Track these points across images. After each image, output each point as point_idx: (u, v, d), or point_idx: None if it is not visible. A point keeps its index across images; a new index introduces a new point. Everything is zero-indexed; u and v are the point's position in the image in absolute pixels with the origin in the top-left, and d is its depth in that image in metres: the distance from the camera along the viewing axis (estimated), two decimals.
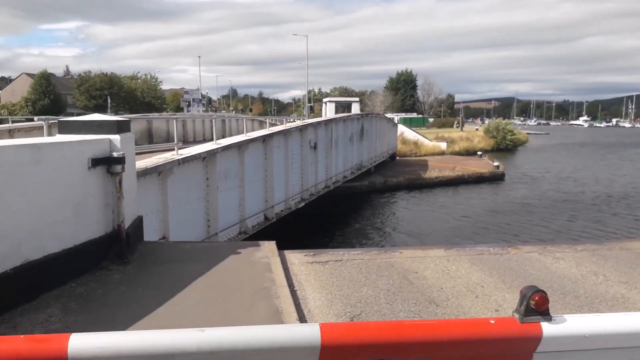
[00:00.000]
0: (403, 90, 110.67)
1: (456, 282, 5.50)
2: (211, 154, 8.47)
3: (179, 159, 7.84)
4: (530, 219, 18.33)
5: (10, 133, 12.53)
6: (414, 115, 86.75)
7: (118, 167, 5.72)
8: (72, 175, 5.23)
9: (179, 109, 78.97)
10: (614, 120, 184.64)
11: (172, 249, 6.60)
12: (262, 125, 19.91)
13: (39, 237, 4.70)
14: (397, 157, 33.01)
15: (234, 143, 9.46)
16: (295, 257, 6.40)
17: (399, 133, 37.06)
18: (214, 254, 6.18)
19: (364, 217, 19.14)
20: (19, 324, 4.05)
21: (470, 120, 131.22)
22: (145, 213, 6.79)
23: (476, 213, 19.45)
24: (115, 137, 5.83)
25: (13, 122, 14.69)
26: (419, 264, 6.17)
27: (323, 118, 20.51)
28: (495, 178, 28.54)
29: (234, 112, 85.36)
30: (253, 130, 17.52)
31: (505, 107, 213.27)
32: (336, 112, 40.00)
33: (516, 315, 1.61)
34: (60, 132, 5.95)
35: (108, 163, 5.68)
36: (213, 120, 27.84)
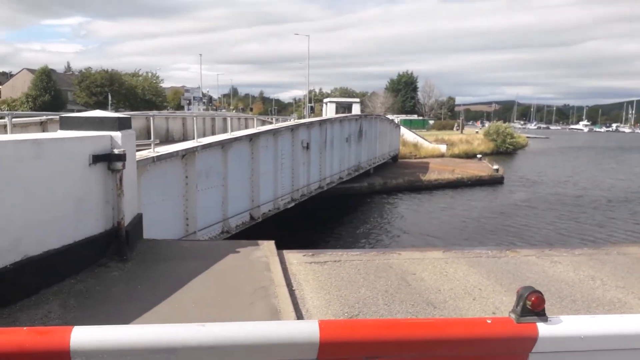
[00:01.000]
0: (404, 91, 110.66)
1: (454, 284, 5.52)
2: (190, 152, 8.44)
3: (153, 157, 7.84)
4: (529, 222, 18.36)
5: (6, 128, 12.50)
6: (414, 117, 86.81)
7: (119, 164, 5.74)
8: (73, 171, 5.25)
9: (179, 107, 78.98)
10: (614, 125, 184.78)
11: (172, 247, 6.62)
12: (263, 124, 19.91)
13: (39, 233, 4.72)
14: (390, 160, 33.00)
15: (216, 141, 9.41)
16: (294, 257, 6.42)
17: None
18: (213, 253, 6.19)
19: (363, 218, 19.16)
20: (18, 319, 4.06)
21: (470, 123, 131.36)
22: None
23: (475, 216, 19.47)
24: (117, 134, 5.85)
25: (14, 117, 14.67)
26: (417, 265, 6.19)
27: (318, 118, 20.47)
28: (495, 181, 28.57)
29: (234, 111, 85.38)
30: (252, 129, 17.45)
31: (506, 110, 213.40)
32: (337, 112, 40.05)
33: (512, 316, 1.64)
34: (61, 128, 5.97)
35: (109, 160, 5.69)
36: (204, 119, 27.83)
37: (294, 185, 12.97)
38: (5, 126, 12.60)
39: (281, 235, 8.78)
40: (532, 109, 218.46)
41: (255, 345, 1.42)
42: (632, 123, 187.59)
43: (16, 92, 69.38)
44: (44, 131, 12.84)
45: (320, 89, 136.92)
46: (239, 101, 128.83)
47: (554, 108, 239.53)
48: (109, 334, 1.39)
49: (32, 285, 4.57)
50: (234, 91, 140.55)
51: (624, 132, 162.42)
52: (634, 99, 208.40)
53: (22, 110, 53.92)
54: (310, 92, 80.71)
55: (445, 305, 4.97)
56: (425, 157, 37.23)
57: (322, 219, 18.34)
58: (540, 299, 1.61)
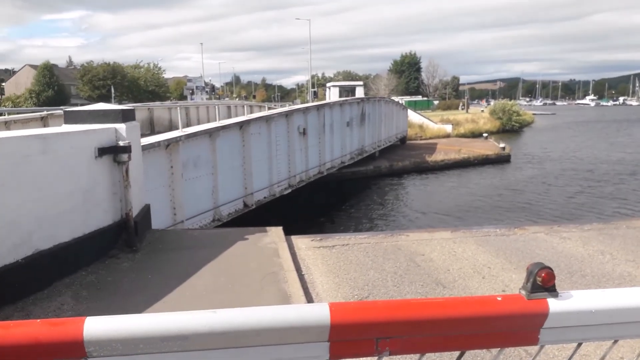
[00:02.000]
0: (407, 72, 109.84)
1: (463, 264, 5.52)
2: (174, 141, 8.38)
3: None
4: (537, 199, 18.30)
5: (7, 125, 12.54)
6: (419, 98, 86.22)
7: (124, 156, 5.76)
8: (79, 164, 5.27)
9: (182, 97, 78.94)
10: (621, 99, 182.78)
11: (180, 236, 6.66)
12: (265, 110, 19.83)
13: (49, 227, 4.76)
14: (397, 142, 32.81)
15: (202, 130, 9.34)
16: (302, 242, 6.45)
17: None
18: (222, 240, 6.23)
19: (370, 201, 19.17)
20: (31, 312, 4.12)
21: (475, 101, 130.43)
22: None
23: (483, 194, 19.42)
24: (121, 126, 5.86)
25: (14, 113, 14.76)
26: (426, 246, 6.19)
27: (315, 103, 20.33)
28: (502, 160, 28.41)
29: (237, 98, 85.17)
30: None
31: (511, 87, 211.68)
32: (340, 96, 39.81)
33: (523, 292, 1.64)
34: (66, 122, 5.98)
35: (114, 152, 5.71)
36: (208, 108, 27.77)
37: (291, 171, 12.94)
38: (5, 122, 12.68)
39: (288, 221, 8.81)
40: (537, 86, 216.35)
41: (267, 329, 1.43)
42: (639, 96, 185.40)
43: (20, 89, 69.54)
44: (45, 126, 12.90)
45: (323, 74, 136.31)
46: (241, 89, 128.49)
47: (560, 84, 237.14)
48: (121, 323, 1.40)
49: (44, 278, 4.63)
50: (237, 79, 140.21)
51: (631, 105, 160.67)
52: None
53: (27, 106, 54.07)
54: (313, 77, 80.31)
55: (455, 284, 4.98)
56: (431, 138, 37.05)
57: (328, 204, 18.38)
58: (550, 274, 1.60)
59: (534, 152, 32.91)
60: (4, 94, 71.05)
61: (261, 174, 11.20)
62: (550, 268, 1.77)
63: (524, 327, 1.62)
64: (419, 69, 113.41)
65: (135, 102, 58.83)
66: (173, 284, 4.79)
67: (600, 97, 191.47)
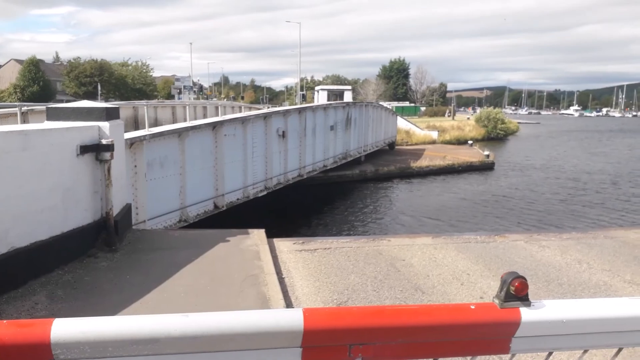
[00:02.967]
0: (395, 78, 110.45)
1: (442, 270, 5.55)
2: (137, 140, 8.21)
3: None
4: (517, 206, 18.50)
5: None
6: (406, 104, 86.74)
7: (107, 155, 5.69)
8: (61, 162, 5.20)
9: (170, 96, 78.39)
10: (604, 110, 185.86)
11: (161, 237, 6.60)
12: (250, 111, 19.73)
13: (27, 224, 4.68)
14: (386, 147, 32.92)
15: (169, 130, 9.17)
16: (284, 245, 6.44)
17: None
18: (203, 242, 6.19)
19: (355, 205, 19.21)
20: (4, 310, 4.05)
21: (462, 109, 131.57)
22: None
23: (464, 201, 19.58)
24: (104, 124, 5.79)
25: None
26: (407, 251, 6.22)
27: (297, 106, 20.22)
28: (485, 167, 28.69)
29: (225, 99, 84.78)
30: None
31: (497, 96, 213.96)
32: (328, 99, 39.90)
33: (496, 301, 1.65)
34: (48, 119, 5.90)
35: (97, 150, 5.65)
36: (195, 108, 27.57)
37: (268, 173, 12.87)
38: None
39: (271, 223, 8.78)
40: (523, 95, 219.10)
41: (239, 334, 1.43)
42: (622, 107, 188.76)
43: (4, 83, 68.43)
44: (25, 122, 12.66)
45: (312, 77, 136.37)
46: (230, 89, 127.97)
47: (545, 93, 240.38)
48: (90, 325, 1.38)
49: (19, 276, 4.55)
50: (225, 79, 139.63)
51: (614, 116, 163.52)
52: (624, 83, 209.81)
53: (10, 101, 53.24)
54: (302, 79, 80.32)
55: (434, 290, 5.01)
56: (417, 144, 37.26)
57: (312, 207, 18.37)
58: (523, 284, 1.62)
59: (517, 160, 33.29)
60: None
61: (235, 176, 11.10)
62: (523, 277, 1.78)
63: (496, 335, 1.64)
64: (407, 75, 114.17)
65: (122, 99, 58.27)
66: (152, 284, 4.74)
67: (584, 108, 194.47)
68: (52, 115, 5.93)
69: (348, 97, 43.40)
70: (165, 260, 5.46)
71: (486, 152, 30.38)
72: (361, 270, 5.54)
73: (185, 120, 25.63)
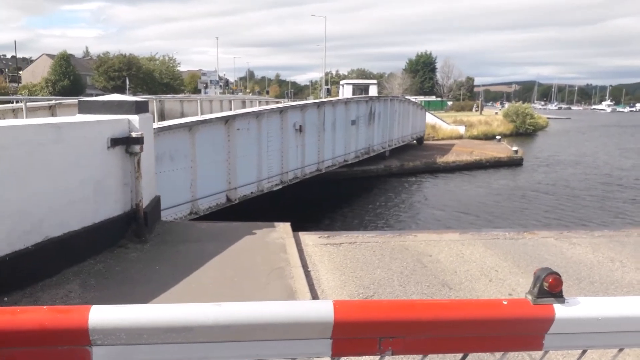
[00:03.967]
0: (422, 72, 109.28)
1: (470, 266, 5.49)
2: None
3: None
4: (547, 203, 18.13)
5: (14, 112, 12.58)
6: (433, 98, 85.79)
7: (137, 147, 5.80)
8: (92, 154, 5.32)
9: (196, 90, 79.29)
10: (638, 105, 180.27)
11: (189, 229, 6.69)
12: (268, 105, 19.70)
13: (60, 215, 4.81)
14: (414, 141, 32.61)
15: (179, 124, 9.23)
16: (309, 239, 6.46)
17: None
18: (230, 234, 6.26)
19: (380, 200, 19.13)
20: (39, 298, 4.17)
21: (490, 103, 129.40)
22: None
23: (492, 197, 19.28)
24: (134, 118, 5.90)
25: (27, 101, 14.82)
26: (433, 247, 6.17)
27: (316, 100, 20.00)
28: (514, 163, 28.16)
29: (250, 93, 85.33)
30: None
31: (526, 90, 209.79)
32: (353, 94, 39.74)
33: (529, 297, 1.63)
34: (80, 112, 6.03)
35: (127, 143, 5.75)
36: (221, 102, 27.84)
37: (284, 167, 12.84)
38: (13, 110, 12.76)
39: (294, 216, 8.78)
40: (553, 89, 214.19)
41: (271, 324, 1.44)
42: None
43: (36, 77, 70.24)
44: (52, 115, 12.96)
45: (337, 71, 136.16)
46: (255, 84, 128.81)
47: (576, 88, 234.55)
48: (125, 313, 1.41)
49: (53, 265, 4.68)
50: (251, 74, 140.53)
51: None
52: None
53: (42, 95, 54.62)
54: (327, 74, 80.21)
55: (461, 286, 4.96)
56: (443, 139, 36.82)
57: (336, 201, 18.37)
58: (557, 280, 1.59)
59: (546, 156, 32.60)
60: (20, 82, 71.80)
61: (248, 169, 11.10)
62: (557, 274, 1.75)
63: (529, 331, 1.61)
64: (433, 69, 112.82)
65: (150, 94, 59.12)
66: (180, 275, 4.83)
67: (617, 103, 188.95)
68: (84, 108, 6.07)
69: (373, 91, 43.14)
70: (193, 252, 5.54)
71: (514, 148, 29.83)
72: (387, 265, 5.53)
73: (211, 112, 25.92)
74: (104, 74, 71.08)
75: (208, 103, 29.55)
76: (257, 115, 11.51)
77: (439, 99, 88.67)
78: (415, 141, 32.12)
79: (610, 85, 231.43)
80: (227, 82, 79.41)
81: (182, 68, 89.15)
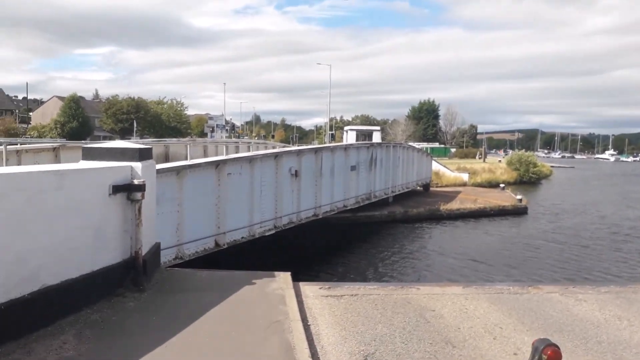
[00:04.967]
0: (425, 119, 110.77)
1: (474, 322, 5.36)
2: None
3: None
4: (553, 255, 17.89)
5: (18, 154, 12.73)
6: (436, 145, 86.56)
7: (138, 195, 5.80)
8: (93, 201, 5.32)
9: (202, 134, 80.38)
10: None
11: (189, 277, 6.61)
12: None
13: (58, 263, 4.76)
14: (419, 188, 32.62)
15: (167, 168, 9.18)
16: (310, 290, 6.35)
17: None
18: (230, 284, 6.17)
19: (381, 247, 18.96)
20: (33, 349, 4.07)
21: (493, 151, 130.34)
22: None
23: (497, 247, 19.09)
24: (137, 165, 5.93)
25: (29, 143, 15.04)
26: (436, 301, 6.04)
27: (312, 146, 20.09)
28: (518, 212, 28.04)
29: (256, 137, 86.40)
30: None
31: (529, 139, 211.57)
32: (357, 140, 40.19)
33: None
34: (83, 159, 6.08)
35: (129, 190, 5.76)
36: (227, 146, 28.23)
37: (277, 212, 12.74)
38: (17, 152, 12.91)
39: (295, 262, 8.67)
40: (556, 138, 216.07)
41: None
42: None
43: (46, 119, 71.61)
44: (56, 157, 13.06)
45: (342, 117, 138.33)
46: (260, 128, 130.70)
47: (579, 137, 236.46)
48: None
49: (49, 314, 4.59)
50: (257, 118, 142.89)
51: None
52: None
53: (51, 136, 55.44)
54: (331, 119, 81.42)
55: (465, 344, 4.82)
56: (447, 186, 36.86)
57: (337, 247, 18.22)
58: (557, 353, 1.54)
59: (551, 205, 32.48)
60: (30, 123, 73.10)
61: (239, 214, 10.95)
62: (556, 345, 1.69)
63: None
64: (436, 116, 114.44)
65: (157, 136, 59.96)
66: (177, 327, 4.72)
67: (620, 152, 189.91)
68: (87, 154, 6.11)
69: (377, 137, 43.62)
70: (191, 303, 5.45)
71: (519, 196, 29.79)
72: (389, 320, 5.40)
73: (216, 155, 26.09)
74: (113, 116, 72.44)
75: (214, 147, 29.90)
76: (250, 160, 11.54)
77: (443, 145, 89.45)
78: (421, 188, 32.16)
79: (613, 135, 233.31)
80: (233, 126, 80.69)
81: (189, 112, 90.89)
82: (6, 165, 9.82)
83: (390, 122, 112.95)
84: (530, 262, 16.68)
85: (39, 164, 9.94)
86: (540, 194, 40.57)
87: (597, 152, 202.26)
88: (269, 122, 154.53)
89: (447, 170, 40.95)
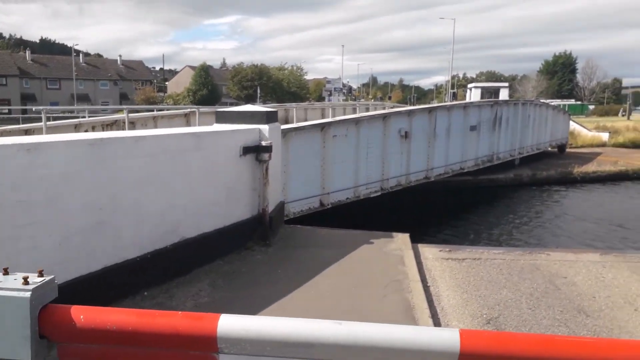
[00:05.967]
0: (560, 74, 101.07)
1: (612, 292, 4.92)
2: None
3: None
4: None
5: (155, 119, 13.89)
6: (572, 101, 78.95)
7: (266, 155, 6.11)
8: (226, 161, 5.71)
9: (321, 98, 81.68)
10: None
11: (309, 234, 6.88)
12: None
13: (196, 218, 5.23)
14: (553, 149, 30.15)
15: None
16: (429, 252, 6.27)
17: None
18: (348, 242, 6.31)
19: (505, 211, 18.02)
20: (174, 295, 4.56)
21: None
22: None
23: (637, 215, 17.15)
24: (264, 127, 6.23)
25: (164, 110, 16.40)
26: (569, 268, 5.64)
27: (427, 105, 19.03)
28: None
29: (372, 99, 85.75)
30: None
31: None
32: (482, 97, 37.97)
33: None
34: (217, 122, 6.52)
35: (257, 151, 6.09)
36: (344, 108, 28.33)
37: (384, 174, 12.50)
38: (154, 117, 14.15)
39: (410, 225, 8.54)
40: None
41: (391, 348, 1.41)
42: None
43: (180, 88, 77.71)
44: (187, 122, 14.09)
45: (465, 74, 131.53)
46: (377, 90, 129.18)
47: None
48: (250, 324, 1.48)
49: (187, 264, 5.10)
50: (374, 80, 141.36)
51: None
52: None
53: (185, 103, 60.17)
54: (453, 77, 77.78)
55: (601, 314, 4.46)
56: (583, 147, 33.62)
57: (458, 210, 17.67)
58: None
59: None
60: (166, 92, 79.98)
61: (344, 175, 10.93)
62: None
63: None
64: (574, 70, 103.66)
65: (278, 102, 62.26)
66: (300, 280, 4.97)
67: None
68: (220, 118, 6.54)
69: (504, 94, 40.78)
70: (313, 258, 5.68)
71: None
72: (515, 285, 5.16)
73: (294, 119, 26.37)
74: (238, 83, 76.31)
75: (331, 110, 30.29)
76: (357, 121, 11.48)
77: (579, 102, 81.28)
78: (555, 149, 29.74)
79: None
80: (350, 89, 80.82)
81: (308, 76, 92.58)
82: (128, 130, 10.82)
83: (519, 78, 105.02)
84: None
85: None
86: None
87: None
88: (386, 84, 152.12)
89: (583, 129, 37.27)
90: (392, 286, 4.89)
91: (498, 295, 4.92)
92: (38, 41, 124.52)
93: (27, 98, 61.30)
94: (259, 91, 67.79)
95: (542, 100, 35.52)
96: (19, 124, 14.65)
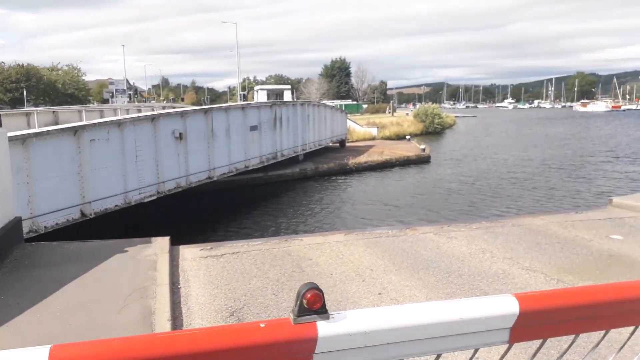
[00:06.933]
0: (338, 77, 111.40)
1: (347, 267, 5.43)
2: None
3: None
4: (448, 197, 18.92)
5: None
6: (349, 101, 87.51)
7: None
8: None
9: (104, 100, 75.57)
10: (536, 102, 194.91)
11: (55, 251, 6.12)
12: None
13: None
14: (334, 144, 32.93)
15: (10, 137, 8.54)
16: (189, 252, 6.13)
17: None
18: (100, 254, 5.80)
19: (291, 203, 19.02)
20: None
21: (403, 105, 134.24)
22: None
23: (398, 194, 19.83)
24: None
25: None
26: (316, 250, 6.07)
27: (202, 107, 19.40)
28: (422, 161, 29.24)
29: (164, 101, 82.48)
30: None
31: (436, 92, 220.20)
32: (268, 99, 39.58)
33: (291, 316, 1.43)
34: None
35: None
36: (128, 111, 26.69)
37: (160, 177, 12.28)
38: None
39: (191, 228, 8.40)
40: (460, 90, 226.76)
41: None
42: (552, 99, 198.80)
43: None
44: None
45: (255, 77, 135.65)
46: (169, 91, 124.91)
47: (481, 88, 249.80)
48: None
49: None
50: (165, 81, 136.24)
51: (544, 107, 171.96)
52: (554, 76, 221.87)
53: None
54: (244, 80, 79.45)
55: (334, 289, 4.87)
56: (357, 141, 37.54)
57: (245, 207, 18.03)
58: (316, 295, 1.41)
59: (451, 152, 34.21)
60: None
61: (110, 181, 10.36)
62: (318, 288, 1.59)
63: (292, 354, 1.45)
64: (348, 74, 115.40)
65: (53, 105, 55.65)
66: (28, 303, 4.36)
67: (518, 100, 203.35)
68: None
69: (287, 96, 43.16)
70: (50, 277, 5.05)
71: (422, 146, 30.99)
72: (265, 274, 5.33)
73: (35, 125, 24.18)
74: (0, 85, 65.69)
75: (112, 113, 28.06)
76: (119, 124, 10.81)
77: (355, 102, 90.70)
78: (337, 144, 32.55)
79: (511, 85, 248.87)
80: (136, 91, 76.32)
81: (91, 77, 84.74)
82: None
83: (304, 80, 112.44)
84: (422, 206, 17.50)
85: None
86: (443, 143, 42.52)
87: (498, 101, 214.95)
88: (178, 85, 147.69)
89: (357, 126, 41.61)
90: (137, 294, 4.59)
91: (247, 285, 5.02)
92: None
93: None
94: (25, 94, 59.44)
95: (321, 101, 38.56)
96: None
